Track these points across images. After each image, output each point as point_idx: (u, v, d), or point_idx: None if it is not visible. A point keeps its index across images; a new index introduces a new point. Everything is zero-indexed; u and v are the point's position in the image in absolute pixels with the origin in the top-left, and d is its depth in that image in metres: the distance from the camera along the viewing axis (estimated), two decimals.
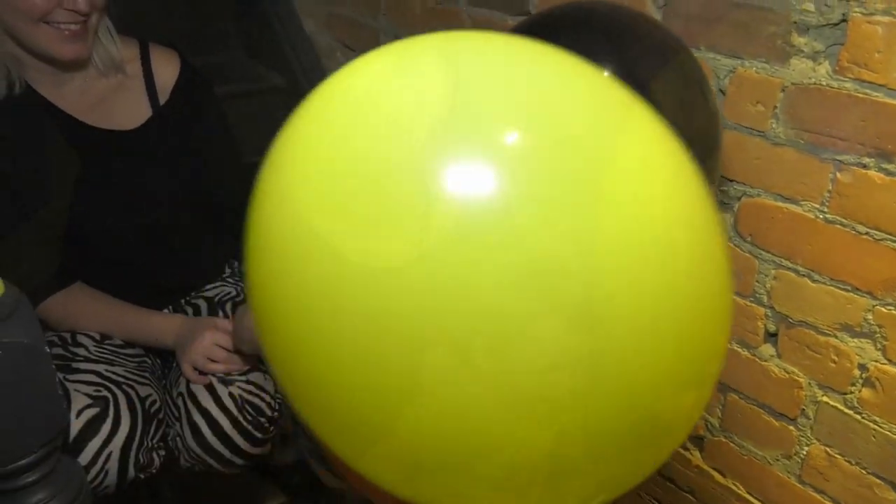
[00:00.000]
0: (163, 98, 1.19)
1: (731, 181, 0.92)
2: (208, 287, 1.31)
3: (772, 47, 0.83)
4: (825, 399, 0.90)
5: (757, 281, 0.94)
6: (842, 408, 0.88)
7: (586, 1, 0.81)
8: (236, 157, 1.36)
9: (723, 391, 1.03)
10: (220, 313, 1.25)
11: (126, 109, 1.17)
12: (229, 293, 1.31)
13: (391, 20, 1.48)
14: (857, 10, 0.73)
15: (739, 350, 0.99)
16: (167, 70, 1.19)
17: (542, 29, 0.76)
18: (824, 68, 0.78)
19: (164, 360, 1.25)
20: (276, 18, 1.81)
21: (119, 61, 1.14)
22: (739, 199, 0.92)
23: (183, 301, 1.30)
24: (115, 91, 1.16)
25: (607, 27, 0.73)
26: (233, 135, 1.35)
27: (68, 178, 1.14)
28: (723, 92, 0.90)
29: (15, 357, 0.69)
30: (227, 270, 1.37)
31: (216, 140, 1.28)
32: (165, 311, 1.27)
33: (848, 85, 0.76)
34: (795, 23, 0.80)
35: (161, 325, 1.16)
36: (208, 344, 1.09)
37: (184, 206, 1.25)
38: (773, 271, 0.91)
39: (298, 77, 1.79)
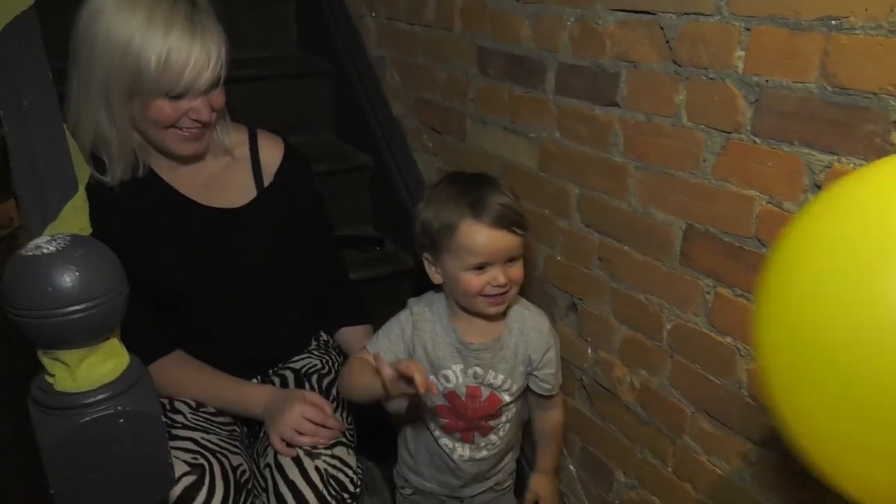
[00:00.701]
0: (267, 180, 1.30)
1: None
2: (295, 358, 1.38)
3: (869, 144, 0.84)
4: None
5: None
6: None
7: None
8: (328, 234, 1.46)
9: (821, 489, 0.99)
10: (307, 385, 1.31)
11: (234, 190, 1.28)
12: (315, 365, 1.37)
13: (479, 107, 1.57)
14: None
15: None
16: (272, 154, 1.31)
17: None
18: None
19: (250, 428, 1.31)
20: (366, 103, 1.95)
21: (229, 147, 1.26)
22: None
23: (270, 371, 1.37)
24: (225, 172, 1.28)
25: None
26: (326, 213, 1.45)
27: (176, 250, 1.25)
28: (818, 186, 0.91)
29: (136, 425, 0.75)
30: (313, 343, 1.44)
31: (312, 219, 1.38)
32: (254, 380, 1.34)
33: None
34: (894, 122, 0.81)
35: (252, 395, 1.23)
36: (296, 417, 1.15)
37: (279, 281, 1.34)
38: None
39: (385, 157, 1.90)
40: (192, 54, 1.08)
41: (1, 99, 0.95)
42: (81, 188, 0.93)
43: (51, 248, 0.68)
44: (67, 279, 0.67)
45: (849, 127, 0.86)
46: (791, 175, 0.94)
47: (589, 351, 1.40)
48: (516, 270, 1.16)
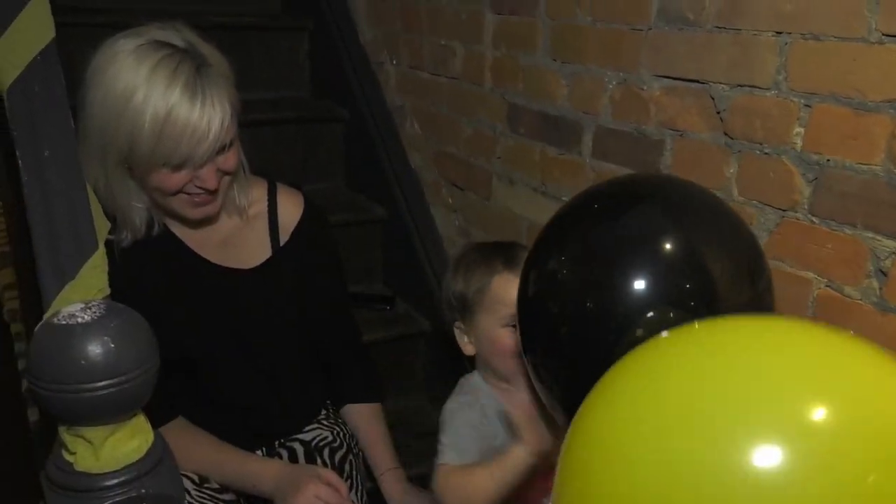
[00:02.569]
0: (283, 237, 1.30)
1: None
2: (304, 430, 1.37)
3: None
4: None
5: None
6: None
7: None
8: (345, 297, 1.46)
9: None
10: (318, 460, 1.29)
11: (248, 249, 1.29)
12: (325, 438, 1.36)
13: (506, 165, 1.59)
14: None
15: None
16: (291, 211, 1.32)
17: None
18: None
19: None
20: (382, 151, 1.97)
21: (244, 208, 1.26)
22: None
23: (277, 443, 1.35)
24: (241, 230, 1.29)
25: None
26: (344, 275, 1.45)
27: (188, 312, 1.25)
28: (883, 273, 0.93)
29: None
30: (322, 412, 1.42)
31: (328, 281, 1.38)
32: (259, 452, 1.33)
33: None
34: None
35: (261, 470, 1.21)
36: (311, 497, 1.13)
37: (291, 345, 1.33)
38: None
39: (401, 210, 1.92)
40: (191, 122, 1.05)
41: (20, 147, 0.96)
42: (101, 246, 0.93)
43: (86, 316, 0.68)
44: (102, 351, 0.67)
45: None
46: (853, 259, 0.96)
47: None
48: None
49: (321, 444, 1.34)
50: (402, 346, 1.87)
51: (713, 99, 1.11)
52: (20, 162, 0.94)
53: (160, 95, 1.05)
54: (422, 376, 1.93)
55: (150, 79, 1.05)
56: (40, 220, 0.91)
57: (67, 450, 0.72)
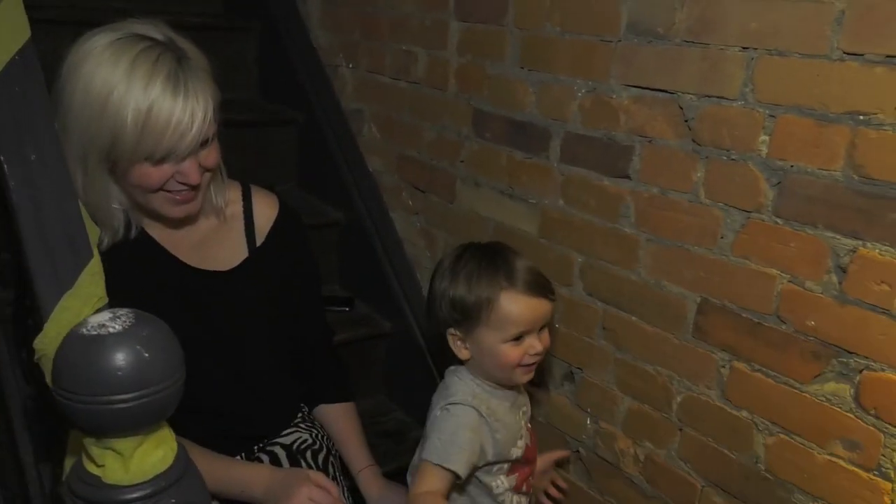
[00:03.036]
0: (259, 239, 1.29)
1: (852, 353, 1.01)
2: (283, 433, 1.35)
3: (895, 233, 0.94)
4: None
5: (883, 455, 1.00)
6: None
7: None
8: (317, 295, 1.45)
9: None
10: (303, 463, 1.28)
11: (224, 251, 1.26)
12: (305, 440, 1.34)
13: (471, 168, 1.61)
14: None
15: None
16: (266, 213, 1.30)
17: None
18: None
19: None
20: (339, 155, 1.96)
21: (221, 208, 1.24)
22: (860, 371, 1.01)
23: (256, 448, 1.32)
24: (217, 232, 1.26)
25: None
26: (317, 274, 1.44)
27: (164, 315, 1.20)
28: (843, 269, 1.00)
29: None
30: (299, 415, 1.40)
31: (303, 282, 1.37)
32: (239, 457, 1.30)
33: None
34: None
35: (249, 476, 1.18)
36: (303, 500, 1.12)
37: (269, 347, 1.31)
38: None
39: (360, 214, 1.91)
40: (174, 114, 1.03)
41: (4, 152, 0.90)
42: (95, 252, 0.90)
43: (116, 326, 0.66)
44: (135, 361, 0.65)
45: (874, 215, 0.96)
46: (814, 256, 1.03)
47: (588, 422, 1.43)
48: (546, 336, 1.21)
49: (302, 446, 1.32)
50: (363, 346, 1.86)
51: (682, 108, 1.17)
52: (5, 167, 0.89)
53: (141, 89, 1.02)
54: (383, 376, 1.93)
55: (131, 73, 1.02)
56: (32, 227, 0.87)
57: (94, 462, 0.68)
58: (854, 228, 0.99)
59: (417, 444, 1.78)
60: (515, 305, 1.15)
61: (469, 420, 1.17)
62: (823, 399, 1.05)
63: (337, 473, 1.33)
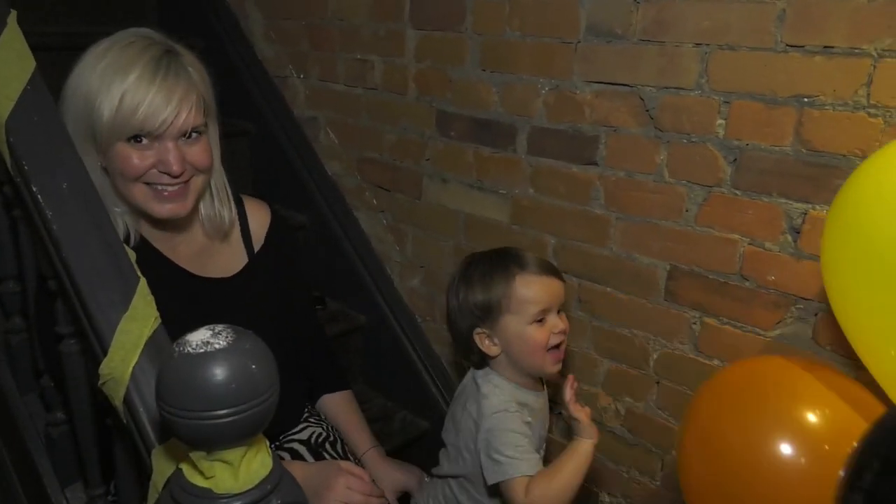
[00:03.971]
0: (257, 245, 1.27)
1: (809, 300, 1.12)
2: (296, 429, 1.33)
3: None
4: None
5: None
6: None
7: None
8: (310, 293, 1.44)
9: None
10: (326, 455, 1.27)
11: (225, 259, 1.24)
12: (321, 434, 1.34)
13: (437, 166, 1.64)
14: None
15: None
16: (261, 219, 1.29)
17: None
18: None
19: None
20: (297, 161, 1.93)
21: (228, 227, 1.21)
22: (816, 314, 1.12)
23: (274, 446, 1.30)
24: (218, 242, 1.23)
25: None
26: (306, 276, 1.43)
27: (170, 324, 1.17)
28: (796, 230, 1.11)
29: None
30: (305, 411, 1.39)
31: (299, 283, 1.36)
32: None
33: None
34: None
35: None
36: (343, 490, 1.12)
37: (275, 348, 1.29)
38: (852, 374, 1.10)
39: (324, 215, 1.89)
40: (149, 94, 1.01)
41: (36, 182, 0.86)
42: (141, 276, 0.86)
43: (220, 342, 0.65)
44: (244, 374, 0.64)
45: (821, 181, 1.07)
46: (771, 221, 1.14)
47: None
48: (564, 317, 1.23)
49: (319, 439, 1.31)
50: (342, 341, 1.86)
51: (643, 99, 1.24)
52: (40, 198, 0.84)
53: (123, 68, 1.01)
54: (361, 366, 1.93)
55: (120, 56, 1.01)
56: (78, 256, 0.82)
57: (203, 475, 0.67)
58: (804, 194, 1.09)
59: (403, 425, 1.82)
60: (531, 286, 1.18)
61: (517, 424, 1.16)
62: (785, 341, 1.16)
63: (354, 460, 1.34)
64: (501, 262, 1.21)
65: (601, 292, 1.40)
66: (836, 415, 0.89)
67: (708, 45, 1.14)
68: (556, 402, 1.45)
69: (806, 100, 1.06)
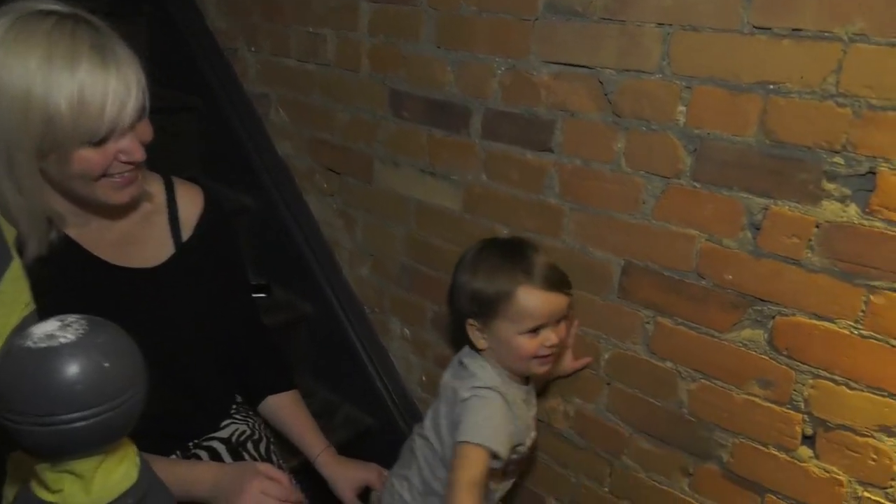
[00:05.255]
0: (185, 233, 1.16)
1: (766, 301, 1.04)
2: (219, 428, 1.23)
3: (804, 191, 0.97)
4: (866, 494, 1.00)
5: (794, 390, 1.04)
6: (883, 501, 0.99)
7: None
8: (247, 286, 1.33)
9: (760, 493, 1.11)
10: (246, 456, 1.18)
11: (149, 248, 1.13)
12: (244, 432, 1.24)
13: (389, 149, 1.53)
14: (883, 165, 0.90)
15: (777, 454, 1.08)
16: (191, 206, 1.18)
17: None
18: (853, 209, 0.94)
19: None
20: (246, 140, 1.81)
21: (143, 201, 1.10)
22: (773, 317, 1.04)
23: (191, 444, 1.20)
24: (141, 227, 1.12)
25: None
26: (244, 265, 1.32)
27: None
28: (756, 226, 1.03)
29: None
30: (233, 407, 1.29)
31: (233, 273, 1.26)
32: (173, 457, 1.18)
33: (879, 224, 0.91)
34: (826, 172, 0.95)
35: (193, 474, 1.07)
36: (257, 495, 1.03)
37: (203, 343, 1.19)
38: (810, 381, 1.02)
39: (273, 199, 1.78)
40: (110, 87, 0.90)
41: None
42: (15, 254, 0.75)
43: (68, 335, 0.54)
44: (96, 373, 0.54)
45: (784, 175, 0.99)
46: (730, 216, 1.05)
47: None
48: (562, 329, 1.17)
49: (242, 438, 1.21)
50: (287, 331, 1.75)
51: (601, 83, 1.15)
52: None
53: (68, 70, 0.87)
54: (305, 358, 1.82)
55: (50, 56, 0.86)
56: None
57: (49, 489, 0.57)
58: (766, 188, 1.01)
59: (346, 420, 1.72)
60: (532, 299, 1.11)
61: (500, 405, 1.14)
62: (741, 345, 1.08)
63: (280, 461, 1.24)
64: (510, 262, 1.14)
65: None
66: None
67: (671, 25, 1.05)
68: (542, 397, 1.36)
69: (772, 87, 0.97)
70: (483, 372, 1.17)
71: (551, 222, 1.28)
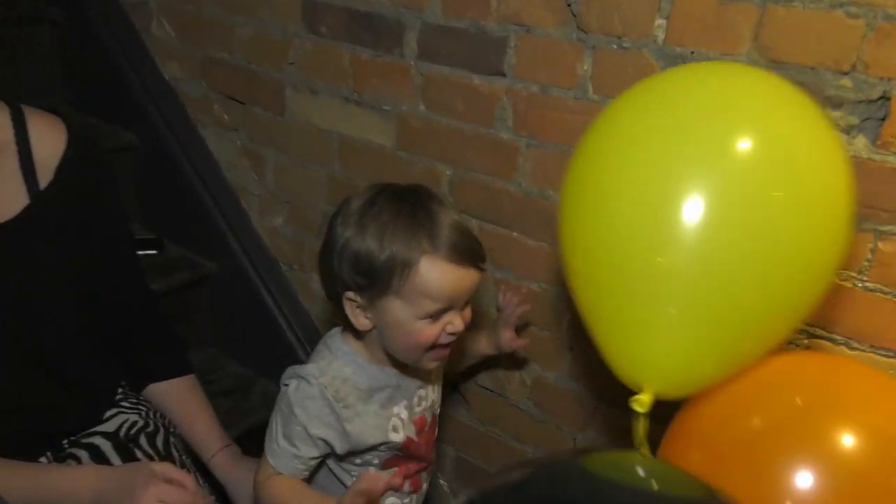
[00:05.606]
0: (43, 179, 1.01)
1: None
2: (103, 420, 1.11)
3: None
4: None
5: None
6: None
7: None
8: (128, 245, 1.19)
9: None
10: (138, 452, 1.07)
11: None
12: (135, 423, 1.13)
13: (304, 72, 1.39)
14: None
15: None
16: (49, 143, 1.02)
17: None
18: (861, 141, 0.88)
19: None
20: (123, 61, 1.62)
21: None
22: None
23: (66, 443, 1.08)
24: None
25: None
26: (125, 217, 1.18)
27: None
28: None
29: None
30: (119, 394, 1.17)
31: (108, 228, 1.11)
32: (42, 460, 1.06)
33: (891, 159, 0.87)
34: (830, 97, 0.89)
35: (68, 483, 0.96)
36: (151, 502, 0.91)
37: (65, 316, 1.05)
38: (805, 341, 0.99)
39: (160, 134, 1.62)
40: None
41: None
42: None
43: None
44: None
45: None
46: None
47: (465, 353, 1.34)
48: (468, 312, 1.00)
49: (132, 431, 1.09)
50: (184, 294, 1.61)
51: None
52: None
53: None
54: (210, 326, 1.69)
55: None
56: None
57: None
58: None
59: (264, 397, 1.62)
60: (438, 276, 0.92)
61: (308, 404, 0.99)
62: None
63: (183, 456, 1.13)
64: (411, 221, 0.93)
65: (506, 237, 1.22)
66: None
67: None
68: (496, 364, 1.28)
69: None
70: (321, 355, 1.03)
71: (505, 162, 1.18)
